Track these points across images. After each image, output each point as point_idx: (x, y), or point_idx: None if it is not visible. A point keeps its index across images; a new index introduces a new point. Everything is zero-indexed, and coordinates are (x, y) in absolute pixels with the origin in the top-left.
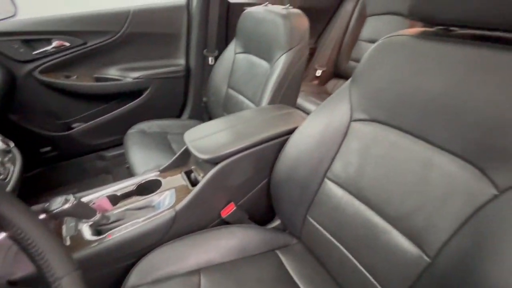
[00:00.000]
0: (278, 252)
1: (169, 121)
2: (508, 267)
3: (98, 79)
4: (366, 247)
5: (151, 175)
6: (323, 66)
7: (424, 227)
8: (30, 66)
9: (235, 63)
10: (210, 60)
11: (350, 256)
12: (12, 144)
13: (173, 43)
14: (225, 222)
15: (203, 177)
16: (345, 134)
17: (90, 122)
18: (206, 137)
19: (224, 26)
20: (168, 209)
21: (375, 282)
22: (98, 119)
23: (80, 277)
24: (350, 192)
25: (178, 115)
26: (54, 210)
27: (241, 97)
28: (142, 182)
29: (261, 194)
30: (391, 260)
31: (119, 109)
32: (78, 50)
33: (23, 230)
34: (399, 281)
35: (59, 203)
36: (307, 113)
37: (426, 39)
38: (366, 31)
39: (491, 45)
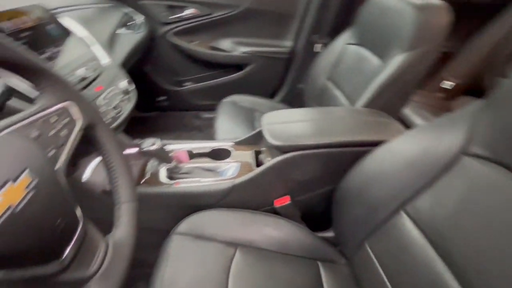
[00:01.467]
0: (320, 263)
1: (261, 99)
2: None
3: (212, 48)
4: None
5: (226, 144)
6: (457, 78)
7: None
8: (166, 28)
9: (343, 55)
10: (318, 47)
11: None
12: (133, 86)
13: (286, 24)
14: (275, 212)
15: (268, 159)
16: (449, 168)
17: (197, 84)
18: (284, 124)
19: (344, 12)
20: (229, 179)
21: None
22: (204, 83)
23: (135, 208)
24: (429, 238)
25: (271, 96)
26: (143, 148)
27: (338, 92)
28: (216, 148)
29: (321, 199)
30: None
31: (221, 78)
32: (203, 19)
33: (110, 156)
34: None
35: (148, 144)
36: (409, 127)
37: None
38: None
39: None
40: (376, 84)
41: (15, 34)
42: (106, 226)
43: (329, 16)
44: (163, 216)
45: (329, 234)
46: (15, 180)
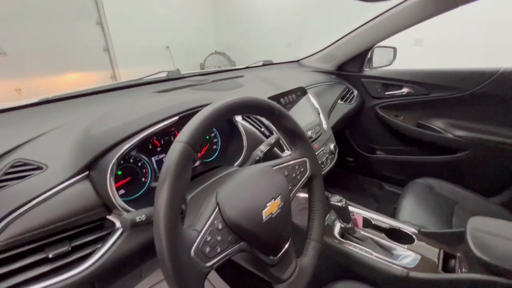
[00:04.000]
0: None
1: (470, 193)
2: None
3: (420, 125)
4: None
5: (410, 230)
6: None
7: None
8: (377, 101)
9: None
10: None
11: None
12: (337, 149)
13: None
14: None
15: (464, 271)
16: None
17: (390, 156)
18: (501, 237)
19: None
20: (402, 267)
21: None
22: (397, 156)
23: (320, 248)
24: None
25: (486, 192)
26: (331, 201)
27: None
28: (398, 228)
29: None
30: None
31: (421, 156)
32: (417, 98)
33: (316, 201)
34: None
35: (336, 199)
36: None
37: None
38: None
39: None
40: None
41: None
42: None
43: None
44: (321, 265)
45: None
46: (275, 199)
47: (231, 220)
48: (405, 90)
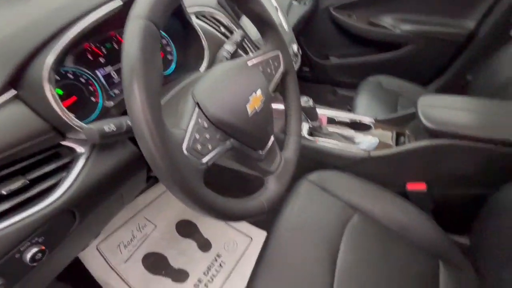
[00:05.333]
0: (441, 263)
1: (411, 85)
2: None
3: (371, 24)
4: None
5: (367, 119)
6: None
7: None
8: (331, 1)
9: None
10: None
11: None
12: (300, 52)
13: (471, 1)
14: (404, 195)
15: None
16: None
17: (343, 60)
18: (441, 108)
19: None
20: (364, 150)
21: None
22: (349, 59)
23: (300, 142)
24: None
25: (426, 82)
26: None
27: None
28: (357, 119)
29: (464, 199)
30: None
31: (368, 56)
32: None
33: (291, 97)
34: None
35: (304, 100)
36: None
37: None
38: None
39: None
40: None
41: None
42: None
43: None
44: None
45: (463, 240)
46: (256, 93)
47: (216, 117)
48: None
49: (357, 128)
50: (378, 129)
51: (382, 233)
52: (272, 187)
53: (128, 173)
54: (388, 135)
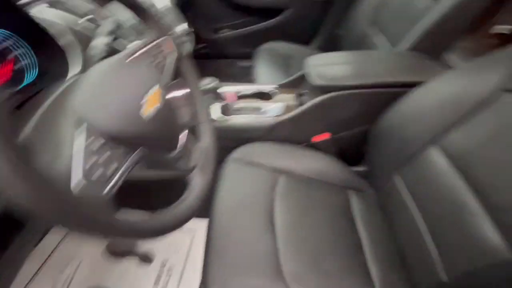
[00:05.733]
0: (350, 191)
1: (298, 46)
2: None
3: None
4: (447, 223)
5: (270, 87)
6: None
7: None
8: None
9: None
10: None
11: (423, 224)
12: (191, 29)
13: None
14: (313, 147)
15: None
16: (485, 104)
17: (233, 31)
18: (327, 66)
19: None
20: (274, 116)
21: (438, 258)
22: (240, 30)
23: (213, 126)
24: (458, 167)
25: (307, 42)
26: (203, 86)
27: (381, 37)
28: (261, 90)
29: (357, 137)
30: (468, 242)
31: (258, 25)
32: None
33: (190, 83)
34: (464, 262)
35: (206, 82)
36: None
37: None
38: None
39: None
40: (424, 24)
41: None
42: None
43: None
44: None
45: (361, 168)
46: (151, 92)
47: (110, 130)
48: None
49: (263, 97)
50: (283, 94)
51: (304, 184)
52: (197, 182)
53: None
54: (291, 97)
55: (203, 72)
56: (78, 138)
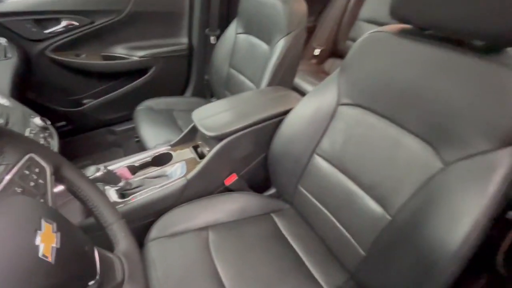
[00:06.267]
0: (273, 215)
1: (174, 98)
2: (446, 221)
3: (105, 58)
4: (344, 209)
5: (163, 149)
6: (321, 45)
7: (389, 192)
8: (43, 45)
9: (236, 43)
10: (212, 39)
11: (331, 217)
12: (48, 122)
13: (176, 22)
14: (228, 190)
15: (209, 151)
16: (333, 116)
17: (100, 99)
18: (212, 116)
19: (226, 5)
20: (181, 178)
21: (348, 236)
22: (107, 95)
23: (124, 223)
24: (334, 165)
25: (182, 93)
26: (89, 176)
27: (241, 77)
28: (156, 154)
29: (259, 166)
30: (362, 218)
31: (126, 87)
32: (86, 29)
33: (82, 189)
34: (367, 235)
35: (92, 171)
36: (303, 93)
37: (402, 37)
38: (365, 11)
39: (452, 48)
40: (270, 65)
41: None
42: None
43: (214, 10)
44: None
45: (272, 191)
46: (40, 229)
47: None
48: (64, 23)
49: (160, 163)
50: (178, 151)
51: (233, 227)
52: None
53: None
54: (187, 152)
55: (77, 151)
56: None
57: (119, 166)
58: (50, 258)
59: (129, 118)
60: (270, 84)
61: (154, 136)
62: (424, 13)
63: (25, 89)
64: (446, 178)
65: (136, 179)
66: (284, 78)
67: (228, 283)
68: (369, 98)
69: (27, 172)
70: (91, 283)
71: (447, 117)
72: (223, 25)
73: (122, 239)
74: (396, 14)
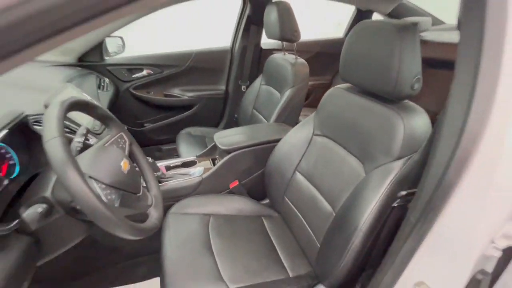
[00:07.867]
0: (263, 218)
1: (209, 128)
2: (359, 208)
3: (166, 95)
4: (310, 211)
5: (191, 158)
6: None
7: (336, 196)
8: (129, 84)
9: (259, 92)
10: (243, 88)
11: (302, 219)
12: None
13: (218, 74)
14: (231, 192)
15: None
16: (309, 143)
17: (156, 124)
18: (228, 137)
19: (256, 65)
20: (198, 176)
21: (311, 232)
22: (161, 122)
23: (157, 183)
24: (308, 179)
25: (216, 125)
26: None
27: (260, 116)
28: (185, 161)
29: (258, 179)
30: (320, 218)
31: (176, 116)
32: (157, 76)
33: (141, 161)
34: (322, 229)
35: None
36: None
37: (349, 91)
38: None
39: (373, 99)
40: (278, 108)
41: None
42: None
43: (246, 68)
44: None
45: (267, 201)
46: (124, 160)
47: (107, 182)
48: (145, 71)
49: (187, 165)
50: (201, 161)
51: (228, 220)
52: (154, 214)
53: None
54: (207, 163)
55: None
56: (92, 185)
57: (160, 165)
58: (126, 171)
59: (173, 140)
60: (277, 121)
61: (186, 152)
62: (353, 76)
63: (112, 111)
64: (365, 182)
65: (169, 172)
66: (289, 117)
67: (216, 252)
68: (330, 130)
69: (119, 139)
70: (137, 195)
71: (368, 143)
72: (252, 78)
73: (154, 189)
74: (342, 77)
